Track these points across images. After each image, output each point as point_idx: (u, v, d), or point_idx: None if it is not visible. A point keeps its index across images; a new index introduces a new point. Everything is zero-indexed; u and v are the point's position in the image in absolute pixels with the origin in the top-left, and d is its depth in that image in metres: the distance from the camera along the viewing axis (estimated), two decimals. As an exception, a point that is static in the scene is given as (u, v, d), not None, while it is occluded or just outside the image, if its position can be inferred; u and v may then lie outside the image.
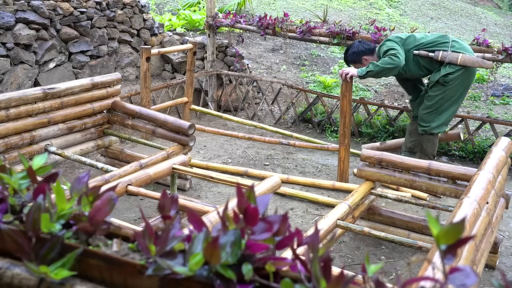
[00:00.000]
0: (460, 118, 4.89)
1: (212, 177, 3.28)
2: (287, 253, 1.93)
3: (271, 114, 5.91)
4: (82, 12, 5.18)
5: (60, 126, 3.64)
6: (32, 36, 4.71)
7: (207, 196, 3.79)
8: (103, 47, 5.46)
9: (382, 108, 5.33)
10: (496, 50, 4.29)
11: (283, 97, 6.09)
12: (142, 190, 2.91)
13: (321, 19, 7.49)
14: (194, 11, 7.78)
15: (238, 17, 5.57)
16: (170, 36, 6.15)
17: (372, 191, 3.06)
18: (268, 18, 5.23)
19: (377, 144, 4.82)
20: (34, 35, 4.74)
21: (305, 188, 3.99)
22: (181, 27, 7.07)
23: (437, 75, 4.05)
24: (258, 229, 0.81)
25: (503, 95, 6.40)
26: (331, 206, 3.53)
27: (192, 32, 7.03)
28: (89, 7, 5.27)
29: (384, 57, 4.01)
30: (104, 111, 4.00)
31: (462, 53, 3.96)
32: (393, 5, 10.69)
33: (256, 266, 0.77)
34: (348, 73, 3.92)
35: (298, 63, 7.19)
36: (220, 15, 5.84)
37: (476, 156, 4.78)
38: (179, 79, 5.75)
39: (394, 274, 2.81)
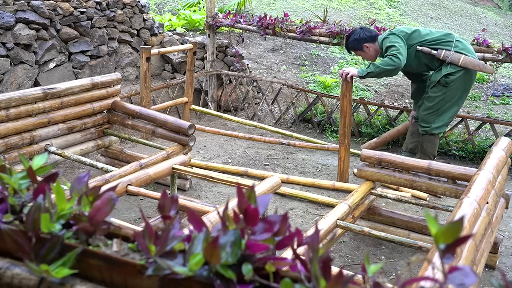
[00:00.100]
0: (460, 118, 4.89)
1: (212, 177, 3.28)
2: (287, 253, 1.93)
3: (271, 114, 5.91)
4: (82, 12, 5.18)
5: (60, 126, 3.65)
6: (32, 36, 4.71)
7: (207, 196, 3.79)
8: (103, 47, 5.46)
9: (382, 108, 5.33)
10: (496, 50, 4.29)
11: (283, 97, 6.09)
12: (142, 190, 2.91)
13: (321, 19, 7.48)
14: (194, 11, 7.78)
15: (238, 17, 5.57)
16: (170, 36, 6.15)
17: (372, 191, 3.06)
18: (268, 18, 5.23)
19: (375, 139, 4.82)
20: (34, 35, 4.74)
21: (305, 188, 3.99)
22: (181, 27, 7.07)
23: (438, 75, 4.04)
24: (258, 229, 0.81)
25: (503, 95, 6.40)
26: (331, 206, 3.53)
27: (192, 32, 7.03)
28: (89, 7, 5.27)
29: (385, 57, 4.01)
30: (104, 111, 4.00)
31: (465, 54, 3.96)
32: (393, 5, 10.69)
33: (256, 266, 0.77)
34: (348, 73, 3.92)
35: (298, 63, 7.19)
36: (220, 15, 5.84)
37: (476, 156, 4.78)
38: (179, 79, 5.75)
39: (394, 274, 2.81)
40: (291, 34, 5.11)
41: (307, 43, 6.93)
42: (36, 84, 4.85)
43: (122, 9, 5.66)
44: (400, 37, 4.01)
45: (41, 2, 4.79)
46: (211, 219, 2.25)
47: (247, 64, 6.33)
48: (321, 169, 4.50)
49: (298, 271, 0.77)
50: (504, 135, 4.41)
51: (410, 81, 4.61)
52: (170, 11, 8.34)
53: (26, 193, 0.98)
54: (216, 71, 6.01)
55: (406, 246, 2.63)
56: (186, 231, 0.90)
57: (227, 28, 6.15)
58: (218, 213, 0.85)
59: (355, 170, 3.34)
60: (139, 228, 1.59)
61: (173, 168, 3.31)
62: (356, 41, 4.20)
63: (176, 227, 0.84)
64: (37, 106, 3.44)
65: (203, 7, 7.95)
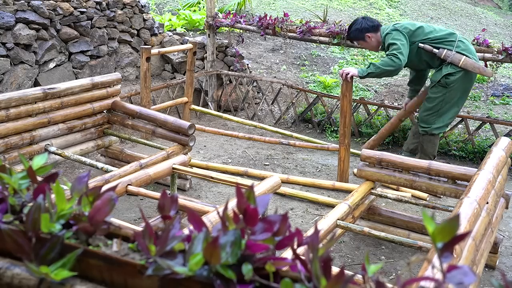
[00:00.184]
0: (460, 118, 4.89)
1: (212, 177, 3.28)
2: (287, 253, 1.93)
3: (271, 114, 5.91)
4: (82, 12, 5.18)
5: (60, 126, 3.65)
6: (32, 36, 4.71)
7: (207, 196, 3.80)
8: (103, 47, 5.46)
9: (382, 108, 5.33)
10: (496, 50, 4.29)
11: (283, 97, 6.09)
12: (142, 190, 2.91)
13: (321, 19, 7.48)
14: (194, 11, 7.78)
15: (238, 17, 5.57)
16: (170, 36, 6.15)
17: (372, 191, 3.06)
18: (268, 18, 5.23)
19: (372, 137, 4.82)
20: (34, 35, 4.74)
21: (305, 188, 3.99)
22: (181, 27, 7.07)
23: (438, 75, 4.04)
24: (258, 229, 0.81)
25: (503, 95, 6.40)
26: (331, 206, 3.53)
27: (192, 32, 7.03)
28: (89, 7, 5.27)
29: (386, 55, 4.00)
30: (104, 111, 4.00)
31: (466, 55, 3.95)
32: (393, 5, 10.69)
33: (256, 266, 0.77)
34: (348, 73, 3.91)
35: (298, 63, 7.19)
36: (220, 15, 5.84)
37: (476, 156, 4.78)
38: (179, 79, 5.75)
39: (394, 274, 2.81)
40: (291, 34, 5.11)
41: (307, 43, 6.93)
42: (36, 84, 4.85)
43: (122, 9, 5.66)
44: (404, 34, 3.97)
45: (41, 2, 4.79)
46: (211, 219, 2.25)
47: (247, 64, 6.33)
48: (321, 169, 4.50)
49: (298, 271, 0.77)
50: (504, 135, 4.41)
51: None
52: (170, 11, 8.34)
53: (26, 193, 0.98)
54: (216, 71, 6.01)
55: (406, 246, 2.63)
56: (186, 231, 0.90)
57: (227, 28, 6.15)
58: (218, 213, 0.85)
59: (355, 170, 3.34)
60: (139, 228, 1.59)
61: (173, 168, 3.31)
62: (358, 31, 4.16)
63: (176, 227, 0.84)
64: (37, 106, 3.44)
65: (203, 7, 7.95)
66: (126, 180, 2.92)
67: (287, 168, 4.48)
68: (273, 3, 9.59)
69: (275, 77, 6.49)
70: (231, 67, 6.19)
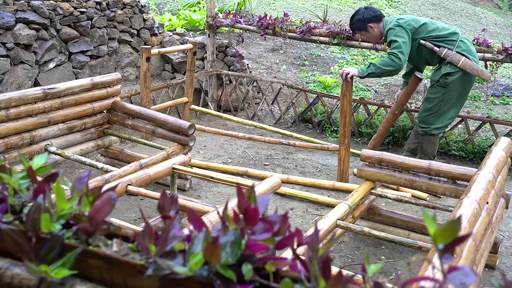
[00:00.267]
0: (460, 118, 4.89)
1: (212, 177, 3.28)
2: (287, 253, 1.93)
3: (271, 114, 5.91)
4: (82, 12, 5.18)
5: (60, 126, 3.65)
6: (32, 36, 4.71)
7: (207, 196, 3.80)
8: (103, 47, 5.46)
9: (382, 108, 5.33)
10: (496, 50, 4.29)
11: (283, 97, 6.09)
12: (142, 190, 2.91)
13: (321, 19, 7.48)
14: (194, 11, 7.78)
15: (238, 17, 5.57)
16: (170, 36, 6.15)
17: (372, 191, 3.06)
18: (268, 18, 5.23)
19: (373, 138, 4.80)
20: (34, 35, 4.74)
21: (305, 188, 3.99)
22: (181, 27, 7.07)
23: (437, 74, 4.04)
24: (258, 229, 0.81)
25: (503, 95, 6.40)
26: (331, 206, 3.53)
27: (192, 32, 7.03)
28: (89, 7, 5.27)
29: (385, 57, 4.00)
30: (104, 111, 4.00)
31: (466, 56, 3.94)
32: (393, 5, 10.69)
33: (256, 266, 0.77)
34: (348, 73, 3.91)
35: (298, 63, 7.19)
36: (220, 15, 5.84)
37: (476, 156, 4.78)
38: (179, 79, 5.75)
39: (394, 274, 2.81)
40: (291, 34, 5.11)
41: (307, 43, 6.93)
42: (36, 84, 4.85)
43: (122, 9, 5.66)
44: (407, 31, 3.94)
45: (41, 2, 4.79)
46: (211, 219, 2.25)
47: (247, 64, 6.33)
48: (321, 169, 4.50)
49: (298, 271, 0.77)
50: (504, 135, 4.41)
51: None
52: (170, 11, 8.34)
53: (26, 193, 0.98)
54: (216, 71, 6.01)
55: (406, 246, 2.63)
56: (186, 231, 0.90)
57: (227, 28, 6.15)
58: (218, 213, 0.85)
59: (355, 170, 3.34)
60: (139, 228, 1.59)
61: (173, 168, 3.31)
62: (360, 21, 4.13)
63: (176, 227, 0.84)
64: (37, 106, 3.44)
65: (203, 7, 7.95)
66: (126, 180, 2.92)
67: (287, 168, 4.48)
68: (273, 3, 9.59)
69: (275, 77, 6.49)
70: (231, 67, 6.19)
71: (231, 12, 6.40)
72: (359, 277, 0.78)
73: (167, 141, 3.99)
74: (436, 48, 3.98)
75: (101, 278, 0.84)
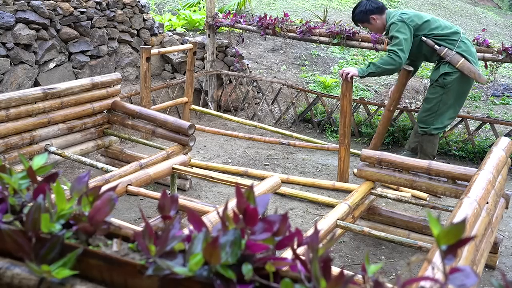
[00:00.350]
0: (460, 118, 4.89)
1: (212, 177, 3.28)
2: (287, 253, 1.93)
3: (271, 114, 5.91)
4: (82, 12, 5.18)
5: (60, 126, 3.65)
6: (32, 36, 4.71)
7: (207, 196, 3.79)
8: (103, 47, 5.46)
9: (382, 108, 5.32)
10: (496, 50, 4.29)
11: (283, 97, 6.09)
12: (142, 190, 2.91)
13: (321, 19, 7.49)
14: (194, 11, 7.78)
15: (238, 17, 5.57)
16: (170, 36, 6.15)
17: (372, 191, 3.06)
18: (268, 18, 5.23)
19: (373, 138, 4.79)
20: (34, 35, 4.74)
21: (305, 188, 3.99)
22: (181, 27, 7.07)
23: (436, 73, 4.04)
24: (258, 229, 0.81)
25: (503, 95, 6.40)
26: (331, 206, 3.53)
27: (192, 32, 7.03)
28: (89, 7, 5.27)
29: (384, 56, 4.00)
30: (104, 111, 4.00)
31: (466, 56, 3.94)
32: (393, 5, 10.69)
33: (256, 266, 0.77)
34: (348, 73, 3.91)
35: (298, 63, 7.19)
36: (220, 15, 5.84)
37: (476, 156, 4.78)
38: (179, 79, 5.75)
39: (394, 274, 2.81)
40: (291, 34, 5.11)
41: (307, 43, 6.93)
42: (36, 84, 4.85)
43: (122, 9, 5.66)
44: (409, 28, 3.92)
45: (41, 2, 4.79)
46: (211, 219, 2.25)
47: (247, 64, 6.33)
48: (321, 169, 4.50)
49: (298, 271, 0.77)
50: (504, 135, 4.41)
51: None
52: (170, 11, 8.34)
53: (26, 193, 0.98)
54: (216, 71, 6.01)
55: (406, 246, 2.63)
56: (186, 231, 0.90)
57: (227, 28, 6.15)
58: (218, 213, 0.85)
59: (355, 170, 3.34)
60: (139, 228, 1.59)
61: (173, 168, 3.30)
62: (362, 13, 4.11)
63: (176, 227, 0.84)
64: (37, 106, 3.44)
65: (203, 7, 7.95)
66: (126, 180, 2.92)
67: (287, 168, 4.48)
68: (273, 3, 9.59)
69: (275, 77, 6.49)
70: (231, 67, 6.19)
71: (231, 12, 6.40)
72: (359, 277, 0.78)
73: (167, 141, 3.99)
74: (436, 47, 3.97)
75: (101, 278, 0.84)
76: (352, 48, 7.11)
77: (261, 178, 3.72)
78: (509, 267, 2.97)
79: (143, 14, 5.91)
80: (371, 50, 6.22)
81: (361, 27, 4.38)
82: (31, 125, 3.42)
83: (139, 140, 4.05)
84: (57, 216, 0.90)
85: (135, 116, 3.87)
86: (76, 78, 5.13)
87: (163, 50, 5.03)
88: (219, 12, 6.01)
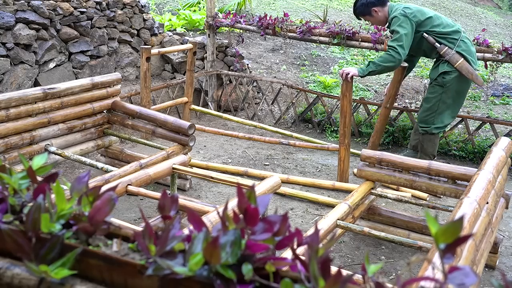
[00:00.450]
0: (460, 118, 4.89)
1: (212, 177, 3.28)
2: (287, 253, 1.93)
3: (271, 114, 5.91)
4: (82, 12, 5.18)
5: (60, 126, 3.65)
6: (32, 36, 4.71)
7: (207, 196, 3.80)
8: (103, 47, 5.46)
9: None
10: (496, 50, 4.29)
11: (283, 97, 6.09)
12: (142, 190, 2.91)
13: (321, 19, 7.49)
14: (194, 11, 7.78)
15: (238, 17, 5.57)
16: (170, 36, 6.15)
17: (372, 191, 3.06)
18: (268, 18, 5.23)
19: (371, 136, 4.80)
20: (34, 35, 4.74)
21: (305, 188, 3.99)
22: (181, 27, 7.07)
23: (435, 72, 4.05)
24: (258, 229, 0.81)
25: (503, 95, 6.40)
26: (331, 206, 3.53)
27: (192, 32, 7.03)
28: (89, 7, 5.27)
29: (383, 54, 3.99)
30: (104, 111, 4.00)
31: (465, 56, 3.95)
32: (393, 5, 10.67)
33: (256, 266, 0.77)
34: (348, 73, 3.91)
35: (298, 63, 7.19)
36: (220, 15, 5.84)
37: (476, 156, 4.78)
38: (179, 79, 5.75)
39: (394, 274, 2.81)
40: (291, 34, 5.11)
41: (307, 43, 6.93)
42: (36, 84, 4.85)
43: (122, 9, 5.66)
44: (411, 23, 3.90)
45: (41, 2, 4.79)
46: (211, 219, 2.25)
47: (247, 64, 6.33)
48: (321, 169, 4.50)
49: (298, 271, 0.77)
50: (504, 135, 4.41)
51: None
52: (170, 11, 8.34)
53: (26, 193, 0.98)
54: (216, 71, 6.01)
55: (406, 246, 2.63)
56: (186, 231, 0.90)
57: (227, 28, 6.15)
58: (218, 213, 0.85)
59: (355, 170, 3.34)
60: (139, 228, 1.59)
61: (173, 168, 3.31)
62: (364, 5, 4.09)
63: (176, 227, 0.84)
64: (37, 106, 3.44)
65: (203, 7, 7.95)
66: (126, 180, 2.92)
67: (287, 168, 4.48)
68: (273, 3, 9.59)
69: (275, 77, 6.49)
70: (231, 67, 6.19)
71: (231, 12, 6.40)
72: (359, 277, 0.78)
73: (167, 141, 3.99)
74: (437, 44, 3.97)
75: (101, 278, 0.84)
76: (352, 48, 7.10)
77: (261, 178, 3.72)
78: (509, 267, 2.97)
79: (143, 14, 5.91)
80: (371, 50, 6.22)
81: (363, 20, 4.35)
82: (31, 125, 3.42)
83: (139, 140, 4.05)
84: (57, 216, 0.90)
85: (135, 116, 3.87)
86: (76, 78, 5.13)
87: (163, 50, 5.03)
88: (219, 12, 6.01)
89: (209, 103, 6.07)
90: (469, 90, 6.30)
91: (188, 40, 6.05)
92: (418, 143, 4.38)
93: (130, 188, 2.89)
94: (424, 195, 3.74)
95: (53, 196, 0.94)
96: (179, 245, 0.82)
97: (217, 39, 6.12)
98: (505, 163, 2.73)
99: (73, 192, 0.97)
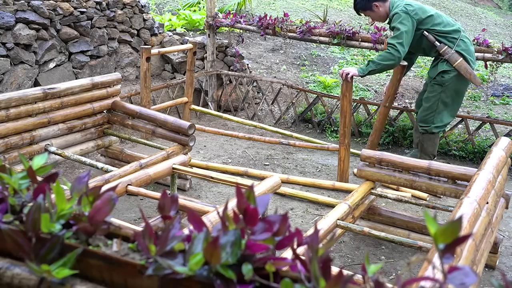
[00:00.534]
0: (460, 118, 4.89)
1: (212, 177, 3.28)
2: (287, 253, 1.93)
3: (271, 114, 5.91)
4: (82, 12, 5.18)
5: (60, 126, 3.65)
6: (32, 36, 4.71)
7: (207, 196, 3.80)
8: (103, 47, 5.46)
9: (382, 108, 5.32)
10: (496, 50, 4.29)
11: (283, 97, 6.09)
12: (142, 190, 2.91)
13: (321, 19, 7.48)
14: (194, 11, 7.78)
15: (238, 17, 5.57)
16: (170, 36, 6.15)
17: (372, 191, 3.06)
18: (268, 18, 5.23)
19: (370, 135, 4.79)
20: (34, 35, 4.74)
21: (305, 188, 3.99)
22: (181, 27, 7.07)
23: (434, 71, 4.05)
24: (258, 229, 0.81)
25: (503, 95, 6.40)
26: (331, 206, 3.53)
27: (192, 32, 7.03)
28: (89, 7, 5.27)
29: (382, 52, 3.98)
30: (104, 111, 4.00)
31: (464, 55, 3.95)
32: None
33: (256, 266, 0.77)
34: (348, 73, 3.91)
35: (298, 63, 7.19)
36: (220, 15, 5.84)
37: (476, 156, 4.78)
38: (179, 79, 5.75)
39: (394, 274, 2.81)
40: (291, 34, 5.11)
41: (307, 43, 6.93)
42: (36, 84, 4.85)
43: (122, 9, 5.66)
44: (412, 21, 3.89)
45: (41, 2, 4.79)
46: (211, 219, 2.25)
47: (247, 64, 6.33)
48: (321, 169, 4.50)
49: (298, 271, 0.77)
50: (504, 135, 4.41)
51: None
52: (170, 11, 8.34)
53: (26, 193, 0.98)
54: (216, 71, 6.01)
55: (406, 246, 2.63)
56: (186, 231, 0.90)
57: (227, 28, 6.15)
58: (218, 213, 0.85)
59: (355, 170, 3.34)
60: (139, 228, 1.59)
61: (173, 168, 3.31)
62: (364, 0, 4.06)
63: (176, 227, 0.84)
64: (37, 106, 3.44)
65: (203, 7, 7.95)
66: (126, 180, 2.92)
67: (287, 168, 4.48)
68: (273, 3, 9.59)
69: (275, 77, 6.49)
70: (231, 67, 6.19)
71: (231, 12, 6.40)
72: (359, 277, 0.78)
73: (167, 141, 3.99)
74: (437, 43, 3.97)
75: (101, 278, 0.84)
76: (352, 48, 7.10)
77: (261, 178, 3.72)
78: (509, 267, 2.97)
79: (143, 14, 5.91)
80: (371, 50, 6.22)
81: (363, 15, 4.33)
82: (31, 125, 3.42)
83: (139, 140, 4.05)
84: (57, 216, 0.90)
85: (135, 116, 3.87)
86: (76, 78, 5.13)
87: (163, 50, 5.03)
88: (219, 12, 6.01)
89: (209, 103, 6.07)
90: (469, 90, 6.32)
91: (188, 40, 6.05)
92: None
93: (130, 188, 2.89)
94: (424, 195, 3.74)
95: (53, 196, 0.94)
96: (179, 245, 0.82)
97: (217, 39, 6.12)
98: (505, 163, 2.73)
99: (73, 192, 0.97)
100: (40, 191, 0.94)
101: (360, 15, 4.34)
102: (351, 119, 4.49)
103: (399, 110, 5.22)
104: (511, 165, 3.12)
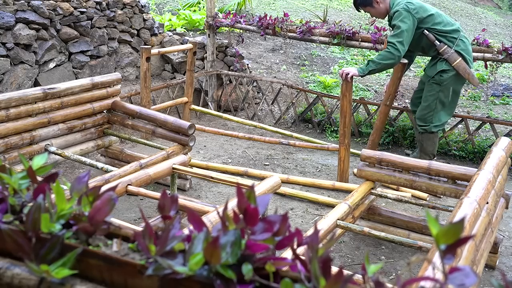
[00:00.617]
0: (460, 118, 4.89)
1: (212, 177, 3.28)
2: (287, 253, 1.93)
3: (271, 114, 5.91)
4: (82, 12, 5.18)
5: (60, 126, 3.65)
6: (32, 36, 4.71)
7: (207, 196, 3.80)
8: (103, 47, 5.46)
9: (382, 108, 5.32)
10: (496, 50, 4.29)
11: (283, 97, 6.09)
12: (142, 190, 2.91)
13: (321, 19, 7.49)
14: (194, 11, 7.78)
15: (238, 17, 5.57)
16: (170, 36, 6.15)
17: (372, 191, 3.06)
18: (268, 18, 5.23)
19: (371, 135, 4.79)
20: (34, 35, 4.74)
21: (305, 188, 3.99)
22: (181, 27, 7.07)
23: (433, 70, 4.05)
24: (258, 229, 0.81)
25: (503, 95, 6.40)
26: (331, 206, 3.53)
27: (192, 32, 7.03)
28: (89, 7, 5.27)
29: (382, 51, 3.98)
30: (104, 111, 4.00)
31: (463, 55, 3.95)
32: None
33: (256, 266, 0.77)
34: (348, 73, 3.90)
35: (298, 63, 7.19)
36: (220, 15, 5.84)
37: (476, 156, 4.78)
38: (179, 79, 5.75)
39: (394, 274, 2.81)
40: (291, 34, 5.11)
41: (307, 43, 6.93)
42: (36, 84, 4.85)
43: (122, 9, 5.66)
44: (413, 19, 3.88)
45: (41, 2, 4.79)
46: (211, 219, 2.25)
47: (247, 64, 6.33)
48: (321, 169, 4.50)
49: (298, 271, 0.77)
50: (504, 135, 4.41)
51: None
52: (170, 11, 8.34)
53: (26, 193, 0.98)
54: (216, 71, 6.01)
55: (406, 246, 2.63)
56: (186, 231, 0.90)
57: (227, 28, 6.15)
58: (218, 213, 0.85)
59: (355, 170, 3.34)
60: (139, 228, 1.59)
61: (173, 168, 3.31)
62: None
63: (176, 227, 0.84)
64: (37, 106, 3.44)
65: (203, 7, 7.95)
66: (126, 180, 2.92)
67: (287, 168, 4.48)
68: (273, 3, 9.59)
69: (275, 77, 6.49)
70: (231, 67, 6.19)
71: (231, 12, 6.40)
72: (359, 276, 0.78)
73: (167, 141, 3.99)
74: (437, 42, 3.97)
75: (101, 278, 0.84)
76: (352, 48, 7.10)
77: (261, 178, 3.72)
78: (509, 267, 2.97)
79: (143, 14, 5.91)
80: (371, 50, 6.22)
81: (363, 12, 4.32)
82: (31, 125, 3.42)
83: (139, 140, 4.05)
84: (57, 216, 0.90)
85: (135, 116, 3.87)
86: (76, 78, 5.13)
87: (163, 50, 5.03)
88: (219, 12, 6.01)
89: (209, 103, 6.07)
90: (469, 90, 6.33)
91: (188, 40, 6.05)
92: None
93: (130, 188, 2.89)
94: (424, 195, 3.74)
95: (53, 196, 0.94)
96: (179, 245, 0.82)
97: (217, 39, 6.12)
98: (505, 163, 2.73)
99: (73, 192, 0.97)
100: (40, 191, 0.94)
101: (360, 11, 4.33)
102: (351, 119, 4.49)
103: (399, 110, 5.22)
104: (511, 165, 3.12)
